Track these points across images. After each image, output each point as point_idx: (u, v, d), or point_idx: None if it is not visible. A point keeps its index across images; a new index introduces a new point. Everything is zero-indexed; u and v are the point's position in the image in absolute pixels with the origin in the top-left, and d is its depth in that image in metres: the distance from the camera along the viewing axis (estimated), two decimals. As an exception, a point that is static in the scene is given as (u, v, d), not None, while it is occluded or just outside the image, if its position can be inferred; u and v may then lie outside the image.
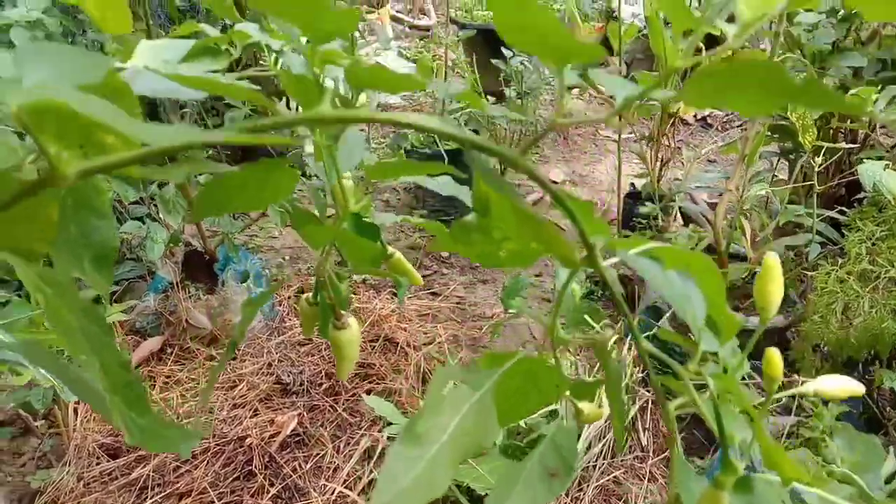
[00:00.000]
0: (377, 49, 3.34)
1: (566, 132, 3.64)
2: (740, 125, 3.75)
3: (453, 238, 0.36)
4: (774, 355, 0.34)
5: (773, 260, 0.36)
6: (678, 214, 2.25)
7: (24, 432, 1.69)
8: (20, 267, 0.33)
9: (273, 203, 0.39)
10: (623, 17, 4.44)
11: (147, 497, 1.51)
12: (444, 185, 0.44)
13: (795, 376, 1.40)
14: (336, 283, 0.46)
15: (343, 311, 0.48)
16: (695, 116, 3.94)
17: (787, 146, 2.02)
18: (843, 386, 0.41)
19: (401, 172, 0.39)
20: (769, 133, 1.90)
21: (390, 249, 0.64)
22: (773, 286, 0.35)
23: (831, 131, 1.94)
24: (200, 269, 1.99)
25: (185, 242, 1.99)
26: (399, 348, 1.88)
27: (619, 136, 2.19)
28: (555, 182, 3.31)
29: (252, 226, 2.32)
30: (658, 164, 2.32)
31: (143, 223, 2.00)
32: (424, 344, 1.91)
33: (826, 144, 1.62)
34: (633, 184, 2.63)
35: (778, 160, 2.15)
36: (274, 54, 0.49)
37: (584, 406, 0.42)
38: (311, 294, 0.57)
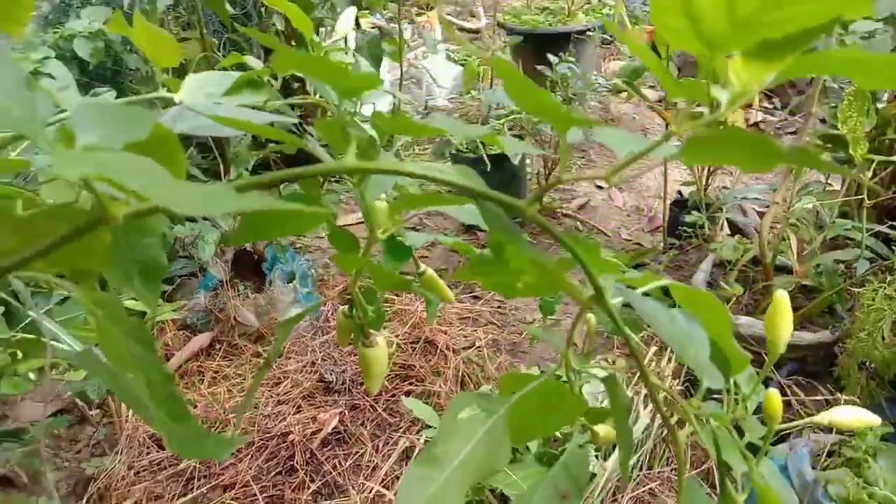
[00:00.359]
0: (424, 52, 3.37)
1: (614, 136, 3.61)
2: (793, 132, 3.66)
3: (473, 270, 0.38)
4: (774, 396, 0.35)
5: (782, 296, 0.37)
6: (725, 224, 2.22)
7: (80, 420, 1.77)
8: (77, 291, 0.36)
9: (308, 231, 0.42)
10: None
11: (193, 488, 1.57)
12: (467, 212, 0.46)
13: (839, 395, 1.37)
14: (364, 304, 0.48)
15: (372, 331, 0.50)
16: (747, 122, 3.86)
17: (840, 156, 1.97)
18: (859, 417, 0.42)
19: (428, 204, 0.41)
20: (821, 143, 1.87)
21: (422, 267, 0.66)
22: (783, 322, 0.36)
23: (886, 142, 1.89)
24: (249, 268, 2.05)
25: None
26: (439, 351, 1.90)
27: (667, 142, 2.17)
28: (600, 187, 3.29)
29: (299, 226, 2.37)
30: (705, 171, 2.29)
31: (196, 223, 2.07)
32: (464, 348, 1.93)
33: (878, 157, 1.58)
34: (679, 191, 2.61)
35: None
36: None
37: (599, 429, 0.44)
38: (347, 307, 0.60)
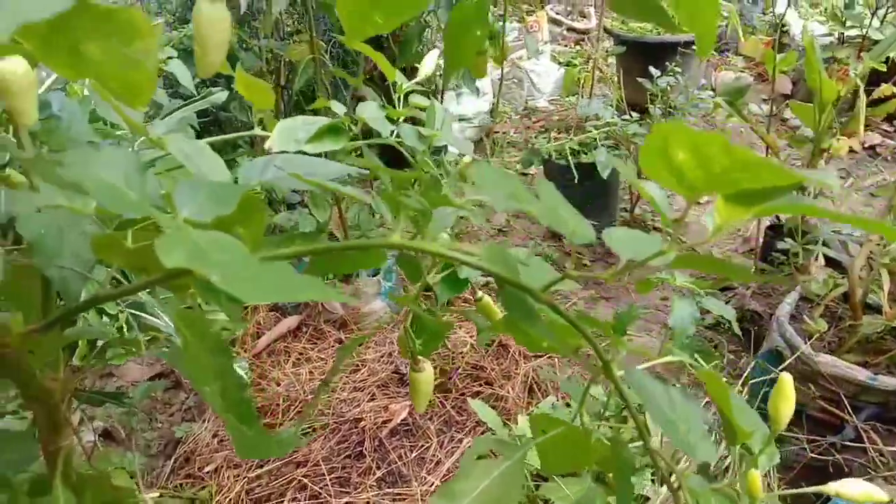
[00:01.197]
0: (528, 54, 3.38)
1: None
2: (912, 159, 3.46)
3: (504, 325, 0.43)
4: (754, 477, 0.38)
5: (785, 378, 0.39)
6: (821, 255, 2.14)
7: (175, 385, 1.93)
8: (172, 314, 0.43)
9: (370, 267, 0.47)
10: (794, 33, 4.16)
11: (269, 461, 1.69)
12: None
13: (915, 448, 1.32)
14: (413, 336, 0.53)
15: (421, 358, 0.55)
16: (862, 144, 3.67)
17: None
18: (867, 491, 0.43)
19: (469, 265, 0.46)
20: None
21: (479, 293, 0.71)
22: (783, 404, 0.39)
23: None
24: (338, 258, 2.16)
25: (329, 233, 2.16)
26: (510, 355, 1.94)
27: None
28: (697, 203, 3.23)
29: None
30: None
31: (294, 210, 2.20)
32: (536, 355, 1.96)
33: None
34: (777, 215, 2.53)
35: (944, 207, 1.99)
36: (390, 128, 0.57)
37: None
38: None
